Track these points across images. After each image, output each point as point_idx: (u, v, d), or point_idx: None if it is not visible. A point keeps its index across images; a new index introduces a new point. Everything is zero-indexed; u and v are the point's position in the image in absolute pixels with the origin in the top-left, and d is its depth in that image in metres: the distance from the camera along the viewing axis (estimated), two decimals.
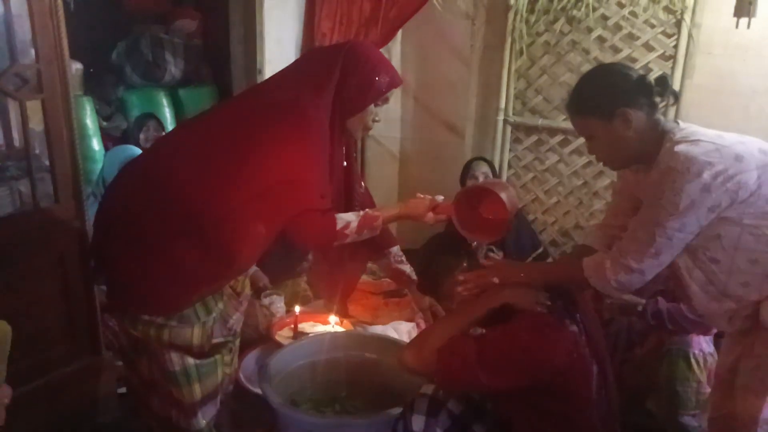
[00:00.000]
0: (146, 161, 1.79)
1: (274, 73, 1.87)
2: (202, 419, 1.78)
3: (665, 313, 2.10)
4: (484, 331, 1.68)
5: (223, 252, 1.64)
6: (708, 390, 2.02)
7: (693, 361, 2.10)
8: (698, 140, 1.49)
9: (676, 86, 2.81)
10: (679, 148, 1.48)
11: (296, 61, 1.91)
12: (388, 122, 4.10)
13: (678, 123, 1.59)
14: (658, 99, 1.57)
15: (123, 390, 2.23)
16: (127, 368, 1.87)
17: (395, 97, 4.13)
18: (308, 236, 1.77)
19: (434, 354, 1.56)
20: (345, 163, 2.00)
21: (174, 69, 4.23)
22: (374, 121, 1.79)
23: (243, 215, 1.62)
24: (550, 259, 3.18)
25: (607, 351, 1.71)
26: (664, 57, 2.87)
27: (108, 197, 1.77)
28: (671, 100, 1.60)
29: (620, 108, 1.54)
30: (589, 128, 1.62)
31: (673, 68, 2.83)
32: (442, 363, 1.55)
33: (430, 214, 1.96)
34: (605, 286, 1.61)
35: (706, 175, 1.44)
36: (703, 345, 2.13)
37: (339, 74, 1.69)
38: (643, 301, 2.17)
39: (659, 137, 1.56)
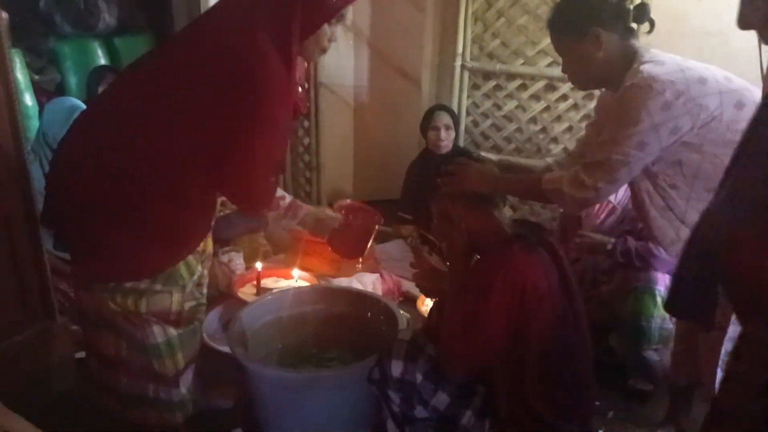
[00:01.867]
0: (99, 126, 1.62)
1: None
2: (183, 388, 1.74)
3: (633, 252, 2.15)
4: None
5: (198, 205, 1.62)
6: (671, 326, 2.09)
7: (659, 297, 2.16)
8: (663, 61, 1.51)
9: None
10: (644, 67, 1.51)
11: None
12: (340, 70, 3.99)
13: (648, 49, 1.60)
14: (634, 25, 1.60)
15: (81, 354, 2.13)
16: (88, 347, 1.79)
17: (347, 43, 4.02)
18: (248, 198, 1.68)
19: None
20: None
21: (108, 16, 4.02)
22: (330, 41, 1.67)
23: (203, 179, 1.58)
24: (508, 207, 3.20)
25: (577, 288, 1.72)
26: None
27: (61, 161, 1.63)
28: (648, 28, 1.62)
29: (593, 28, 1.56)
30: (562, 45, 1.65)
31: None
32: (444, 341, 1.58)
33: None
34: (561, 200, 1.62)
35: (669, 94, 1.45)
36: (667, 281, 2.19)
37: None
38: (612, 239, 2.21)
39: (629, 60, 1.58)
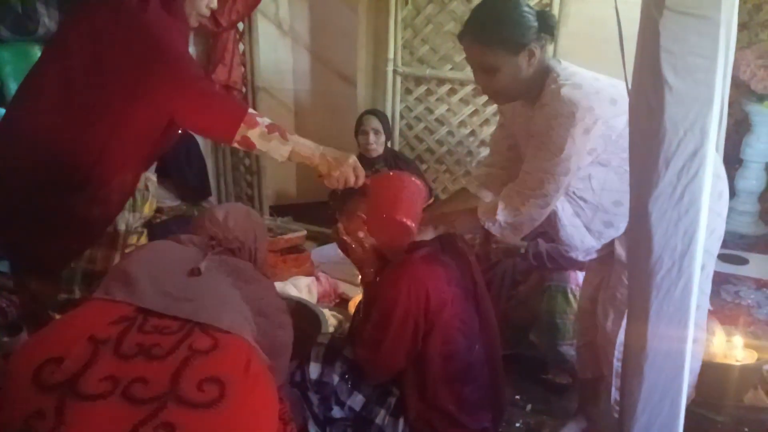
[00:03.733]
0: (20, 122, 1.67)
1: None
2: None
3: (545, 254, 2.25)
4: None
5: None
6: None
7: (570, 295, 2.28)
8: (581, 84, 1.54)
9: None
10: (564, 91, 1.52)
11: None
12: (279, 74, 4.01)
13: (559, 61, 1.63)
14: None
15: None
16: None
17: (285, 47, 4.04)
18: (212, 115, 1.59)
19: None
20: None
21: (48, 20, 3.88)
22: (208, 7, 1.68)
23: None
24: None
25: (485, 291, 1.80)
26: (540, 5, 2.95)
27: None
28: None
29: (529, 43, 1.54)
30: (489, 59, 1.57)
31: None
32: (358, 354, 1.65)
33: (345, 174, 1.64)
34: (498, 229, 1.65)
35: (588, 119, 1.50)
36: (579, 280, 2.30)
37: None
38: (525, 243, 2.31)
39: (544, 74, 1.60)
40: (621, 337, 1.81)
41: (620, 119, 1.52)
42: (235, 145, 1.58)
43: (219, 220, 1.57)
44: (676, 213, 1.22)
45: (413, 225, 1.62)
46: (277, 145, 1.57)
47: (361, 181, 1.66)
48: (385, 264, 1.76)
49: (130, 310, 1.20)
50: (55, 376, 1.02)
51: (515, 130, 1.80)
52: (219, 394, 1.04)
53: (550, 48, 2.89)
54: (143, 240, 1.90)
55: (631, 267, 1.35)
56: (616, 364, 1.84)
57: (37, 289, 1.73)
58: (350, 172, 1.63)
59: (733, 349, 2.26)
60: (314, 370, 1.70)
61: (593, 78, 1.59)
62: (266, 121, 1.57)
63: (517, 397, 2.26)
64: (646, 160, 1.22)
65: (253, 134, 1.54)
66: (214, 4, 1.70)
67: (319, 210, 3.50)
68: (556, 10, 2.89)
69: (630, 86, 1.30)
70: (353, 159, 1.65)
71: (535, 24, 1.55)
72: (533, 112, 1.62)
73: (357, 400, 1.71)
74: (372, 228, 1.70)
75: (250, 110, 1.58)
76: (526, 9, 1.57)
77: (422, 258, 1.64)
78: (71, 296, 1.70)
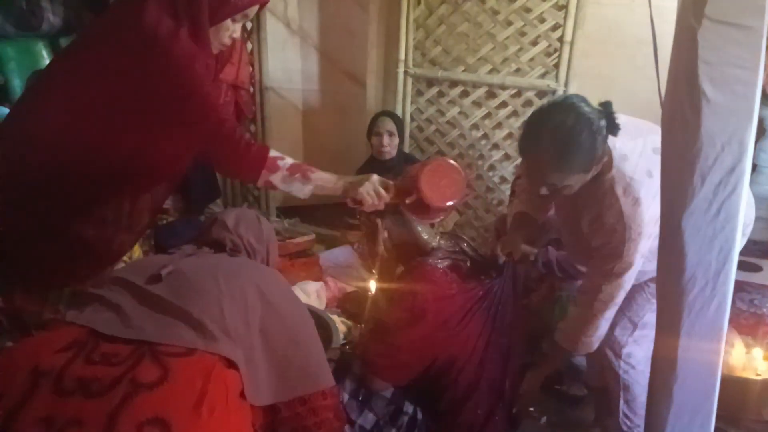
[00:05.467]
0: (30, 125, 1.59)
1: None
2: None
3: (555, 262, 2.20)
4: None
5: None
6: None
7: None
8: (639, 200, 1.54)
9: (568, 36, 2.87)
10: (627, 210, 1.55)
11: None
12: (288, 73, 3.96)
13: (608, 146, 1.58)
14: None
15: None
16: None
17: (294, 46, 3.99)
18: (236, 160, 1.60)
19: None
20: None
21: (52, 16, 3.88)
22: (230, 37, 1.65)
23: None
24: (455, 212, 3.24)
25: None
26: (557, 6, 2.90)
27: None
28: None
29: (601, 155, 1.54)
30: (567, 178, 1.54)
31: (565, 18, 2.87)
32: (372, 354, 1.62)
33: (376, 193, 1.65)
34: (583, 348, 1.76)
35: (651, 228, 1.53)
36: None
37: None
38: (536, 251, 2.26)
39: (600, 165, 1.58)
40: (629, 348, 1.79)
41: None
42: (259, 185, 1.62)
43: (230, 226, 1.53)
44: (711, 229, 1.18)
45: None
46: (299, 186, 1.60)
47: (391, 193, 1.66)
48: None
49: (83, 333, 1.12)
50: None
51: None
52: None
53: (566, 51, 2.87)
54: (137, 253, 1.86)
55: (661, 284, 1.30)
56: (623, 377, 1.81)
57: (22, 305, 1.68)
58: (377, 186, 1.63)
59: (753, 361, 2.21)
60: None
61: (647, 173, 1.57)
62: (288, 162, 1.60)
63: (531, 409, 2.21)
64: (680, 174, 1.18)
65: (275, 178, 1.59)
66: (237, 33, 1.67)
67: (327, 212, 3.45)
68: (572, 13, 2.84)
69: (663, 97, 1.25)
70: (375, 176, 1.65)
71: (604, 132, 1.51)
72: (586, 194, 1.62)
73: (368, 419, 1.67)
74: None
75: (272, 152, 1.60)
76: (597, 120, 1.50)
77: (445, 267, 1.61)
78: (56, 316, 1.64)
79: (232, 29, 1.63)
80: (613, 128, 1.52)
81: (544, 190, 1.58)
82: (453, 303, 1.61)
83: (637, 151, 1.60)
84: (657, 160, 1.54)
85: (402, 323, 1.60)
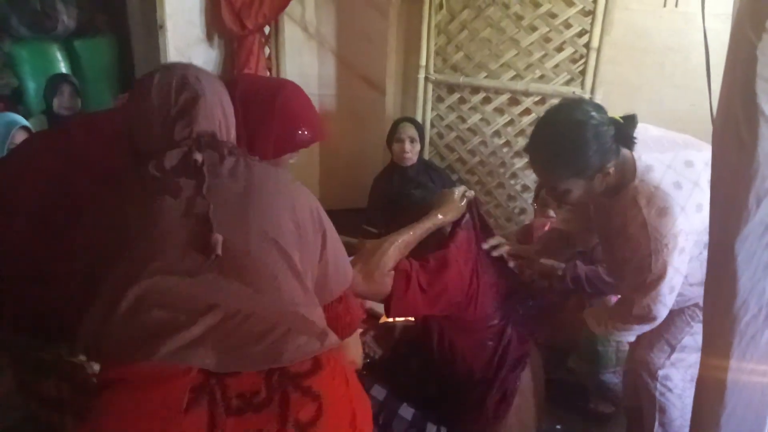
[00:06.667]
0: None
1: (175, 28, 1.63)
2: None
3: (584, 278, 2.13)
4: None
5: None
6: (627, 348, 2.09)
7: None
8: (665, 208, 1.48)
9: (595, 42, 2.81)
10: (651, 221, 1.48)
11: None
12: (304, 78, 3.91)
13: (633, 156, 1.53)
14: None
15: None
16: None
17: (311, 51, 3.95)
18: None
19: (385, 276, 1.56)
20: None
21: (66, 19, 3.91)
22: (290, 162, 1.70)
23: None
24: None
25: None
26: (583, 12, 2.84)
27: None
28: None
29: (605, 165, 1.48)
30: (563, 182, 1.53)
31: (592, 23, 2.81)
32: (396, 287, 1.56)
33: None
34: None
35: (681, 241, 1.48)
36: None
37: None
38: (563, 265, 2.20)
39: (623, 175, 1.53)
40: (666, 370, 1.73)
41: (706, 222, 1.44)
42: None
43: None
44: (766, 255, 1.12)
45: None
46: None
47: None
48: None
49: (189, 375, 0.89)
50: None
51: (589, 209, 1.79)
52: None
53: (593, 57, 2.81)
54: None
55: (709, 309, 1.24)
56: (660, 399, 1.76)
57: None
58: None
59: None
60: None
61: (674, 185, 1.50)
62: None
63: (558, 427, 2.16)
64: (734, 196, 1.11)
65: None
66: (296, 158, 1.69)
67: (343, 218, 3.40)
68: (599, 18, 2.77)
69: (715, 114, 1.19)
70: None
71: (611, 142, 1.47)
72: (611, 208, 1.58)
73: None
74: None
75: None
76: (602, 126, 1.46)
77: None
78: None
79: (293, 159, 1.67)
80: (626, 140, 1.48)
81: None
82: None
83: (665, 162, 1.53)
84: (689, 173, 1.51)
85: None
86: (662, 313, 1.57)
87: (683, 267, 1.53)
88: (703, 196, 1.45)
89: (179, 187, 1.02)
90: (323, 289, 1.16)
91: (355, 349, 1.33)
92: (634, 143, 1.49)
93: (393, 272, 1.57)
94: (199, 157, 1.05)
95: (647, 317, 1.57)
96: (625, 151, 1.52)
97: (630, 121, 1.49)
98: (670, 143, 1.60)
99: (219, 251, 0.96)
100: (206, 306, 0.94)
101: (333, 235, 1.19)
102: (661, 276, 1.51)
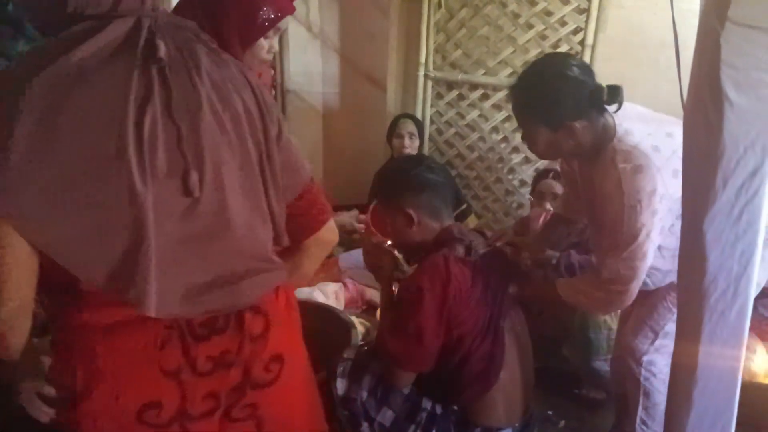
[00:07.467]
0: None
1: None
2: None
3: (577, 266, 2.19)
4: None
5: None
6: None
7: None
8: (641, 166, 1.50)
9: (589, 39, 2.86)
10: (626, 178, 1.50)
11: None
12: (308, 76, 3.99)
13: (614, 121, 1.57)
14: (607, 106, 1.56)
15: None
16: None
17: (315, 49, 4.03)
18: None
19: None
20: None
21: None
22: (269, 51, 1.62)
23: None
24: (473, 215, 3.24)
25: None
26: (578, 10, 2.89)
27: None
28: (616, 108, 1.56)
29: (568, 122, 1.53)
30: (531, 128, 1.60)
31: (586, 21, 2.86)
32: (391, 349, 1.59)
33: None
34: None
35: (654, 202, 1.50)
36: None
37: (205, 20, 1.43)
38: (557, 254, 2.25)
39: (600, 137, 1.57)
40: (650, 356, 1.78)
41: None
42: None
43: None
44: (733, 234, 1.17)
45: None
46: None
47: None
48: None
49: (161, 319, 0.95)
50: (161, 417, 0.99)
51: (578, 180, 1.81)
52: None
53: (587, 54, 2.85)
54: None
55: (682, 288, 1.29)
56: (644, 383, 1.81)
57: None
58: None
59: None
60: (341, 387, 1.67)
61: (652, 148, 1.53)
62: None
63: (550, 412, 2.21)
64: (702, 178, 1.17)
65: None
66: (275, 46, 1.66)
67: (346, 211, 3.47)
68: (594, 16, 2.83)
69: (685, 100, 1.24)
70: None
71: (582, 102, 1.51)
72: (592, 172, 1.62)
73: (387, 416, 1.67)
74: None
75: None
76: (577, 84, 1.51)
77: (445, 255, 1.60)
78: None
79: (267, 45, 1.62)
80: (598, 103, 1.53)
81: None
82: (452, 280, 1.55)
83: (645, 131, 1.57)
84: (668, 141, 1.54)
85: (408, 307, 1.57)
86: (631, 280, 1.55)
87: (655, 233, 1.54)
88: (681, 165, 1.49)
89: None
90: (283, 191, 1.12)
91: (319, 251, 1.26)
92: (606, 110, 1.54)
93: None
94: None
95: (616, 281, 1.56)
96: (607, 116, 1.56)
97: (613, 90, 1.53)
98: (654, 119, 1.64)
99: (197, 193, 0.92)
100: None
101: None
102: (634, 236, 1.51)
